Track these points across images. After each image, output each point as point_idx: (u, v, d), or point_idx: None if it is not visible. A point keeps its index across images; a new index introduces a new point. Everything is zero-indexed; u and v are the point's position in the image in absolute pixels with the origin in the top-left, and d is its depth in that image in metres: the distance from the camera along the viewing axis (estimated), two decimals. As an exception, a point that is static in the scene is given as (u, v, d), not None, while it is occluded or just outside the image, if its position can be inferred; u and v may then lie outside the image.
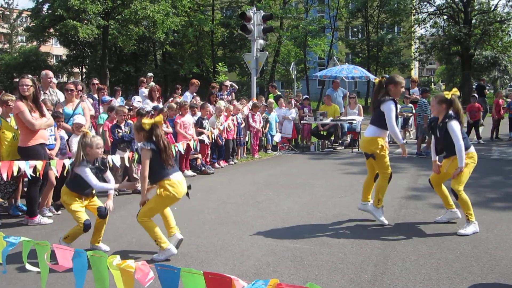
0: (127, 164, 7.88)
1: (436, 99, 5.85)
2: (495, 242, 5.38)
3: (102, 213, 5.30)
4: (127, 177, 8.32)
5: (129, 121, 8.48)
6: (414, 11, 36.71)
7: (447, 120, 5.67)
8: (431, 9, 36.92)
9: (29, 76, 6.43)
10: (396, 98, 5.94)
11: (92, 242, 5.36)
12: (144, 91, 12.60)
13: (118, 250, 5.28)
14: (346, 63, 23.17)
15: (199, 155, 10.35)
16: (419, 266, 4.67)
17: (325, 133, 14.25)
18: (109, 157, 7.29)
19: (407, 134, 15.22)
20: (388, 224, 6.06)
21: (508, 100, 15.61)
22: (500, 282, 4.29)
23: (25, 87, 6.23)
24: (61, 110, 7.77)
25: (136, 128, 5.03)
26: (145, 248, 5.36)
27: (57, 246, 2.93)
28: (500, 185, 8.54)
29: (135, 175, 8.37)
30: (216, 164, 10.94)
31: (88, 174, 5.06)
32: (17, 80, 37.12)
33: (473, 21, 34.48)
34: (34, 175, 6.11)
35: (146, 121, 4.89)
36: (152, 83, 14.13)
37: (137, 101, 11.26)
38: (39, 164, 6.12)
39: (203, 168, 10.28)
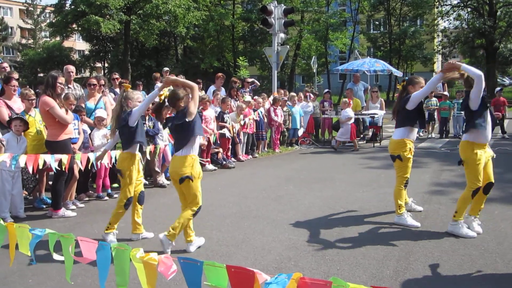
0: (148, 157, 7.95)
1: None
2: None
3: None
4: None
5: (153, 116, 8.52)
6: (437, 3, 36.12)
7: None
8: (455, 1, 36.31)
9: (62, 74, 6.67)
10: None
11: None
12: (159, 85, 12.66)
13: (140, 243, 5.32)
14: (368, 57, 22.92)
15: (220, 149, 10.37)
16: (442, 262, 4.61)
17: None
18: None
19: (431, 129, 15.03)
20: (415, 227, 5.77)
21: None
22: (526, 279, 4.22)
23: (61, 85, 6.49)
24: (83, 105, 7.86)
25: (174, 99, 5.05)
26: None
27: (81, 238, 2.97)
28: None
29: (156, 169, 8.42)
30: (236, 158, 10.97)
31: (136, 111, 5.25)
32: (41, 75, 37.62)
33: (498, 13, 33.80)
34: (60, 169, 6.20)
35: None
36: None
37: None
38: (65, 158, 6.22)
39: (224, 162, 10.30)
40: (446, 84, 16.22)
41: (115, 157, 7.06)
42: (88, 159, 6.67)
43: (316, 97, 15.06)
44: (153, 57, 38.81)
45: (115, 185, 8.26)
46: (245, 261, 4.71)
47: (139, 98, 5.37)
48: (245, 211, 6.62)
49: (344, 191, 7.70)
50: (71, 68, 8.65)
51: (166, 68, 14.87)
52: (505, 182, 8.07)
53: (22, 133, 6.54)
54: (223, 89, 12.44)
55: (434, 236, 5.40)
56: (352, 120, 12.61)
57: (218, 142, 10.30)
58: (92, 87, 8.03)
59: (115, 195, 7.64)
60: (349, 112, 12.58)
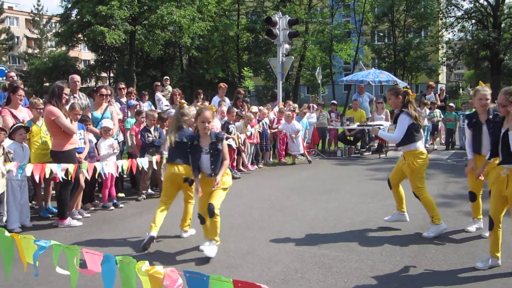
0: (155, 167, 7.93)
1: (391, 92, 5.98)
2: None
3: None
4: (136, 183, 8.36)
5: (158, 126, 8.52)
6: (442, 15, 36.20)
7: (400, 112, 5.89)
8: (459, 13, 36.42)
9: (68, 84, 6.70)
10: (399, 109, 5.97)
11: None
12: (159, 95, 12.73)
13: (145, 254, 5.28)
14: (373, 68, 22.94)
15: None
16: (450, 275, 4.56)
17: (352, 138, 14.11)
18: (138, 160, 7.36)
19: (435, 140, 14.97)
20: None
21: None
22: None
23: (67, 96, 6.55)
24: (89, 114, 7.86)
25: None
26: (172, 251, 5.35)
27: (86, 250, 2.94)
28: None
29: (162, 179, 8.39)
30: (242, 168, 10.95)
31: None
32: (47, 84, 37.79)
33: (502, 25, 33.88)
34: (66, 178, 6.19)
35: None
36: (169, 87, 14.26)
37: (165, 104, 11.38)
38: (71, 167, 6.21)
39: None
40: (438, 94, 16.16)
41: (121, 167, 7.06)
42: (95, 169, 6.66)
43: (322, 107, 15.03)
44: (158, 67, 38.95)
45: (121, 194, 8.24)
46: (251, 273, 4.67)
47: (194, 115, 5.54)
48: (251, 222, 6.58)
49: (349, 203, 7.65)
50: (77, 77, 8.67)
51: (166, 77, 14.93)
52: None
53: (24, 142, 6.56)
54: (227, 99, 12.44)
55: (442, 249, 5.35)
56: (302, 133, 12.40)
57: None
58: (101, 96, 8.02)
59: (121, 205, 7.62)
60: (296, 125, 12.24)
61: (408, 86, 6.89)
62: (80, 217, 6.88)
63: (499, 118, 4.76)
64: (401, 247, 5.40)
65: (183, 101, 6.17)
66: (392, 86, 6.32)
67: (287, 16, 14.66)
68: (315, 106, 14.69)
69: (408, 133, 5.77)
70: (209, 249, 5.04)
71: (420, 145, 5.95)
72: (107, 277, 2.93)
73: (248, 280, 3.83)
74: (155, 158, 7.83)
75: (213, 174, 5.09)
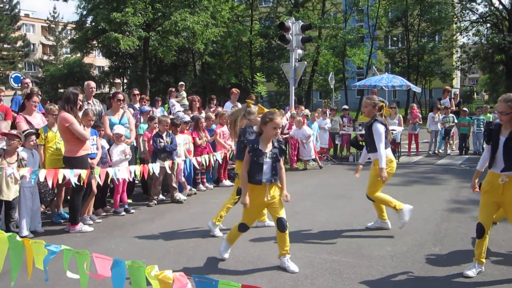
0: (168, 171, 7.98)
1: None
2: None
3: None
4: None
5: (171, 132, 8.56)
6: (456, 19, 35.96)
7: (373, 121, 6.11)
8: (474, 17, 36.20)
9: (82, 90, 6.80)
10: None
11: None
12: (173, 101, 12.81)
13: (156, 259, 5.30)
14: (386, 73, 22.85)
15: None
16: (462, 283, 4.52)
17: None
18: (150, 166, 7.41)
19: (448, 145, 14.85)
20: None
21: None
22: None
23: (81, 102, 6.61)
24: (107, 119, 7.95)
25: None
26: (182, 257, 5.37)
27: (96, 255, 2.97)
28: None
29: (174, 184, 8.43)
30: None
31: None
32: (61, 91, 38.23)
33: (518, 28, 33.52)
34: (78, 184, 6.25)
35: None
36: (184, 92, 14.34)
37: (177, 110, 11.44)
38: (84, 173, 6.27)
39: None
40: (453, 100, 16.05)
41: (134, 172, 7.12)
42: (107, 174, 6.72)
43: (335, 113, 15.00)
44: (172, 73, 39.18)
45: (129, 200, 8.26)
46: (261, 279, 4.66)
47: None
48: (262, 227, 6.57)
49: (361, 208, 7.61)
50: (93, 84, 8.76)
51: (181, 83, 15.00)
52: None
53: (34, 148, 6.64)
54: (239, 104, 12.47)
55: (454, 255, 5.30)
56: (313, 138, 12.38)
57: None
58: (119, 102, 8.14)
59: (132, 210, 7.67)
60: (307, 130, 12.21)
61: (385, 101, 7.03)
62: (91, 222, 6.93)
63: (495, 125, 4.69)
64: (412, 253, 5.36)
65: (250, 100, 6.29)
66: (371, 96, 6.78)
67: (300, 21, 14.66)
68: (329, 111, 14.66)
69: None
70: (293, 264, 4.91)
71: (389, 152, 6.20)
72: (117, 282, 2.96)
73: (258, 285, 3.84)
74: (167, 163, 7.88)
75: (272, 181, 4.90)
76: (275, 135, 4.87)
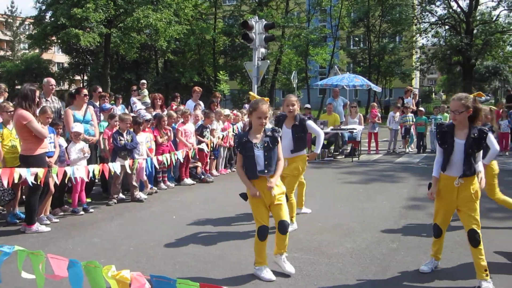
0: (128, 171, 7.88)
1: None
2: (498, 253, 5.34)
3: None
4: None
5: (132, 130, 8.46)
6: (416, 20, 36.76)
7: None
8: (433, 19, 37.03)
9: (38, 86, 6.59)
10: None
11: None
12: (134, 99, 12.70)
13: (115, 259, 5.23)
14: (347, 72, 23.18)
15: (199, 164, 10.33)
16: (419, 277, 4.63)
17: (325, 142, 14.21)
18: (110, 164, 7.30)
19: (407, 144, 15.18)
20: None
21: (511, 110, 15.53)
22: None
23: (38, 99, 6.42)
24: (71, 115, 7.80)
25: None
26: (142, 257, 5.32)
27: (51, 256, 2.91)
28: (501, 196, 8.48)
29: (134, 183, 8.33)
30: (215, 172, 10.94)
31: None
32: (18, 87, 37.17)
33: (475, 31, 34.55)
34: (35, 183, 6.10)
35: None
36: (146, 90, 14.22)
37: (139, 108, 11.32)
38: (41, 171, 6.12)
39: (203, 177, 10.25)
40: (414, 100, 16.45)
41: (93, 171, 7.01)
42: (65, 173, 6.58)
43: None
44: (133, 70, 38.62)
45: (88, 199, 8.10)
46: (222, 277, 4.66)
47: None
48: (223, 226, 6.57)
49: (322, 206, 7.70)
50: (53, 81, 8.57)
51: (143, 81, 14.85)
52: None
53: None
54: (202, 103, 12.43)
55: (411, 251, 5.42)
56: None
57: (197, 156, 10.28)
58: (85, 97, 8.06)
59: (91, 210, 7.54)
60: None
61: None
62: (48, 222, 6.76)
63: (447, 126, 4.52)
64: (371, 250, 5.46)
65: (253, 94, 6.17)
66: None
67: (263, 20, 14.71)
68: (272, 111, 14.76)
69: (305, 139, 6.29)
70: (290, 265, 4.77)
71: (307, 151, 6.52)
72: (75, 282, 2.91)
73: (218, 285, 3.84)
74: (127, 162, 7.78)
75: (266, 172, 4.61)
76: (260, 124, 4.63)
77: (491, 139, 4.91)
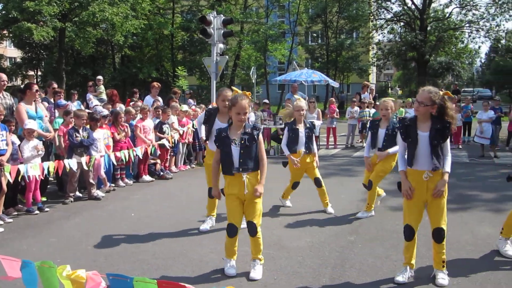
0: (85, 168, 7.73)
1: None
2: (449, 243, 5.49)
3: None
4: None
5: (88, 126, 8.29)
6: (372, 17, 37.43)
7: None
8: (389, 16, 37.79)
9: None
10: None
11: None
12: (89, 95, 12.49)
13: (72, 259, 5.11)
14: (306, 68, 23.36)
15: (158, 161, 10.22)
16: (376, 269, 4.73)
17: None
18: (66, 162, 7.14)
19: (364, 138, 15.46)
20: None
21: (462, 104, 16.06)
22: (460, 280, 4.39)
23: None
24: (24, 110, 7.56)
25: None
26: (100, 256, 5.22)
27: (3, 257, 2.82)
28: (453, 187, 8.73)
29: (91, 180, 8.17)
30: (174, 168, 10.85)
31: None
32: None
33: (428, 28, 35.46)
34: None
35: None
36: (102, 87, 13.98)
37: (95, 104, 11.11)
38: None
39: (162, 173, 10.15)
40: (371, 95, 16.80)
41: (48, 168, 6.83)
42: (18, 171, 6.39)
43: (258, 107, 15.16)
44: (89, 66, 37.73)
45: (43, 198, 7.90)
46: (182, 274, 4.64)
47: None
48: (183, 223, 6.52)
49: (280, 201, 7.75)
50: (4, 77, 8.26)
51: (99, 77, 14.56)
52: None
53: None
54: (160, 98, 12.29)
55: (368, 243, 5.54)
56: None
57: (159, 152, 10.16)
58: (37, 92, 7.86)
59: (47, 209, 7.35)
60: None
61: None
62: (1, 222, 6.54)
63: (410, 120, 4.46)
64: (330, 243, 5.55)
65: (235, 89, 6.08)
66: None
67: (222, 15, 14.62)
68: (254, 105, 14.81)
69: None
70: (257, 272, 4.57)
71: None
72: (29, 283, 2.85)
73: (178, 281, 3.81)
74: (84, 159, 7.62)
75: (240, 170, 4.47)
76: (239, 120, 4.44)
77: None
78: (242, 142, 4.46)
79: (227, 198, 4.61)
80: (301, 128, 6.89)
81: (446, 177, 4.38)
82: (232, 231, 4.58)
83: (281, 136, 14.09)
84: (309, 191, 8.39)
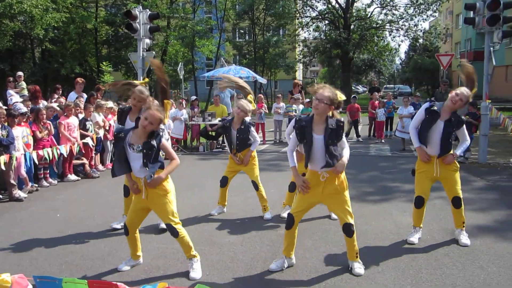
0: (3, 168, 7.36)
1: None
2: (373, 233, 5.77)
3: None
4: None
5: (6, 124, 7.88)
6: (298, 15, 38.14)
7: None
8: (314, 14, 38.66)
9: None
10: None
11: None
12: (11, 91, 11.95)
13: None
14: (234, 64, 23.46)
15: (84, 159, 9.90)
16: (305, 260, 4.87)
17: (213, 133, 14.32)
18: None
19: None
20: None
21: (384, 100, 16.70)
22: (380, 267, 4.60)
23: None
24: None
25: None
26: (25, 259, 5.01)
27: None
28: (376, 180, 9.16)
29: (12, 181, 7.79)
30: (101, 167, 10.57)
31: None
32: None
33: (352, 26, 36.69)
34: None
35: None
36: (23, 83, 13.41)
37: (15, 101, 10.63)
38: None
39: (88, 172, 9.85)
40: (303, 93, 17.16)
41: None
42: None
43: (187, 103, 15.09)
44: (7, 61, 35.80)
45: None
46: (112, 274, 4.55)
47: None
48: (111, 222, 6.37)
49: (212, 197, 7.72)
50: None
51: (19, 73, 13.89)
52: (358, 182, 8.75)
53: None
54: (85, 95, 11.91)
55: (298, 235, 5.65)
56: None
57: (83, 151, 9.85)
58: None
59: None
60: None
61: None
62: None
63: (305, 121, 4.42)
64: (261, 237, 5.64)
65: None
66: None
67: (148, 10, 14.36)
68: (185, 102, 14.72)
69: None
70: (196, 272, 4.51)
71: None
72: None
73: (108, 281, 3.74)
74: (3, 158, 7.26)
75: (148, 171, 4.32)
76: (143, 126, 4.21)
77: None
78: (140, 149, 4.29)
79: (133, 203, 4.68)
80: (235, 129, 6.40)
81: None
82: (125, 231, 4.66)
83: (210, 133, 14.17)
84: (240, 186, 8.47)
